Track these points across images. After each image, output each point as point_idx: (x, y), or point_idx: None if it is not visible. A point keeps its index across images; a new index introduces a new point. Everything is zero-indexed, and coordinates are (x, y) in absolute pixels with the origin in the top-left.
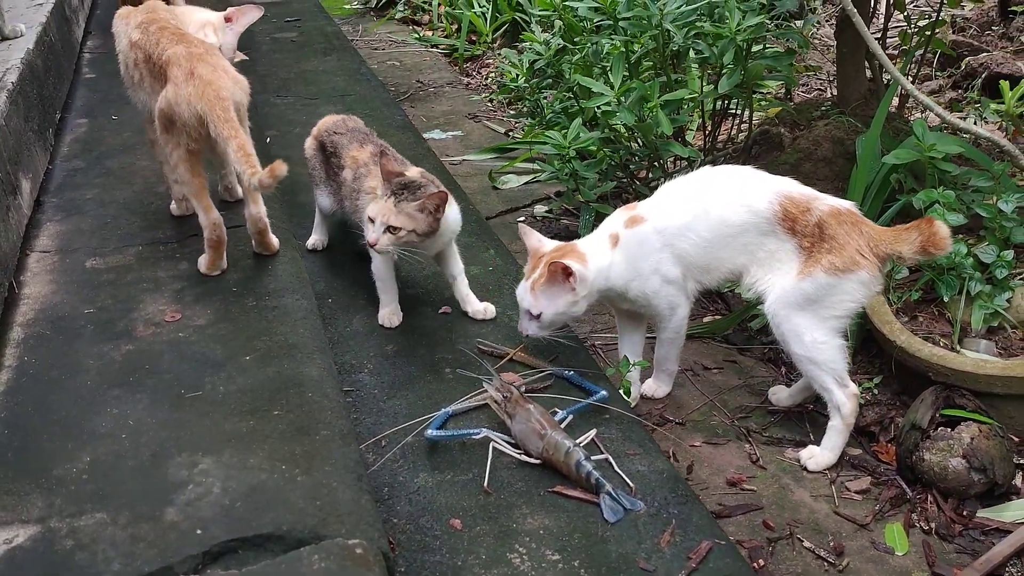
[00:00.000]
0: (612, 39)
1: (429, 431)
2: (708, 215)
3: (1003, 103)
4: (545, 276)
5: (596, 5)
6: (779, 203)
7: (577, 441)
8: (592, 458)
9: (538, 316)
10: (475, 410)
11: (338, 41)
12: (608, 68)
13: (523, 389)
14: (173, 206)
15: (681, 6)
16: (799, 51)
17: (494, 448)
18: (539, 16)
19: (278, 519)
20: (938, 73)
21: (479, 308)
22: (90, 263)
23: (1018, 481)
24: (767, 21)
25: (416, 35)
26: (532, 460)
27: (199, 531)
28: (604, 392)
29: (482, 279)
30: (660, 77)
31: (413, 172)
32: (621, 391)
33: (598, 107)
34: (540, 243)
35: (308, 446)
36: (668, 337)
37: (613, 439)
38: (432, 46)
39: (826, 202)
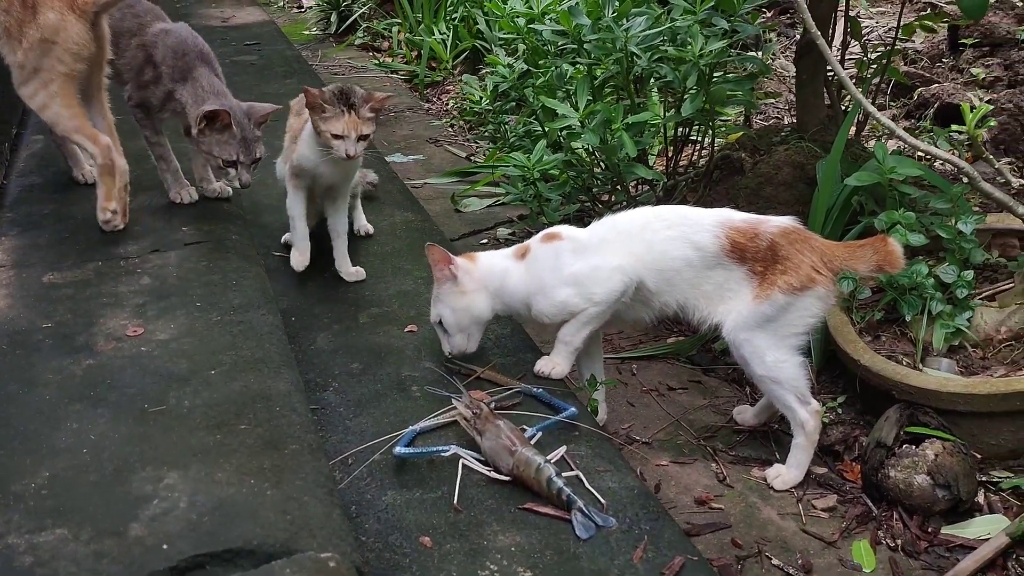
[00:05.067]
0: (576, 62)
1: (397, 448)
2: (651, 247)
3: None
4: (436, 279)
5: (560, 28)
6: (725, 236)
7: (547, 458)
8: (563, 475)
9: (441, 324)
10: (443, 427)
11: (298, 65)
12: (572, 91)
13: (492, 406)
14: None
15: (645, 30)
16: (760, 76)
17: (464, 465)
18: (503, 40)
19: (248, 533)
20: (892, 103)
21: (351, 271)
22: (47, 278)
23: (980, 498)
24: (729, 48)
25: (376, 61)
26: (502, 477)
27: (165, 546)
28: (573, 409)
29: None
30: (623, 100)
31: (330, 87)
32: (588, 409)
33: (562, 130)
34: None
35: (277, 460)
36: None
37: (583, 456)
38: (392, 72)
39: (772, 224)
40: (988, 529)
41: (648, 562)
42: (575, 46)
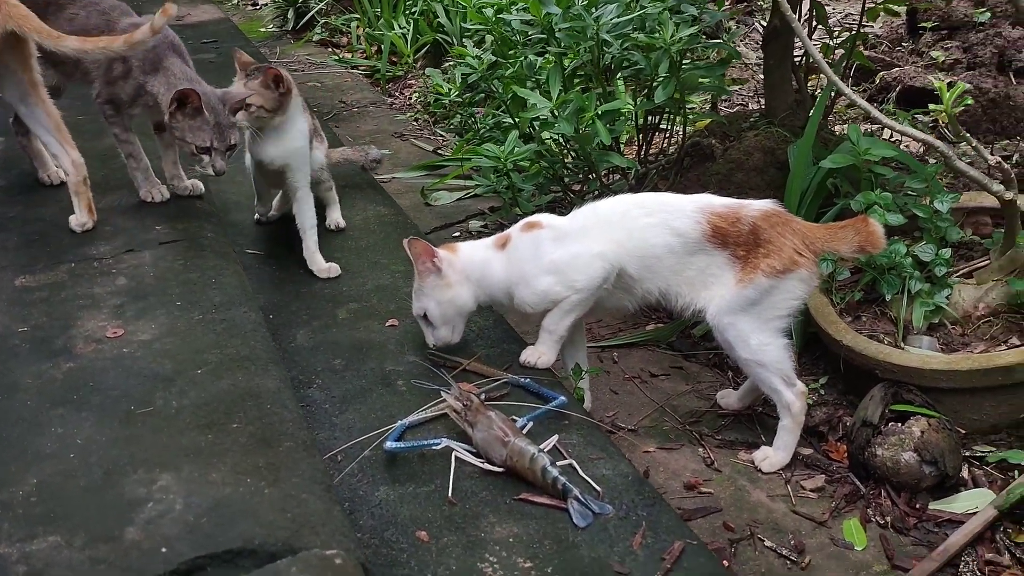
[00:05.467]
0: (547, 50)
1: (388, 443)
2: (632, 234)
3: (920, 112)
4: (419, 272)
5: (530, 18)
6: (706, 221)
7: (541, 447)
8: (557, 464)
9: (426, 317)
10: (433, 421)
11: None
12: (542, 82)
13: (483, 397)
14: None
15: (615, 18)
16: (731, 62)
17: (456, 457)
18: (471, 30)
19: (248, 533)
20: (854, 87)
21: (323, 267)
22: (19, 281)
23: (965, 473)
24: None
25: (336, 57)
26: (495, 468)
27: (164, 549)
28: (563, 398)
29: None
30: (594, 90)
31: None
32: (575, 397)
33: (533, 120)
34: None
35: (272, 458)
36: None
37: (575, 444)
38: (353, 67)
39: (753, 207)
40: (974, 503)
41: (648, 548)
42: (544, 36)
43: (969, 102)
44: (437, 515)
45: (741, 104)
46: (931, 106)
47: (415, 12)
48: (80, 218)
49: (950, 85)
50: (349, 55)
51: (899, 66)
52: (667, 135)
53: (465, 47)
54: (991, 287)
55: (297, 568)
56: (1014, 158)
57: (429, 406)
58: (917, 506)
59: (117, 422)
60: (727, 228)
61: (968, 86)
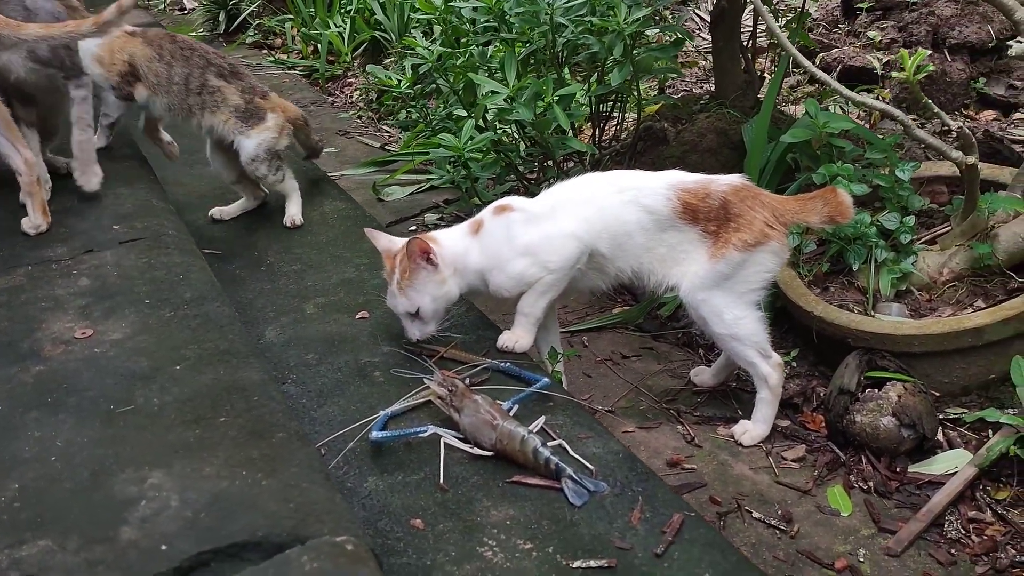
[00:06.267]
0: (498, 37)
1: (373, 433)
2: (603, 213)
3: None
4: (408, 269)
5: (481, 4)
6: (676, 197)
7: (530, 429)
8: (547, 444)
9: (417, 313)
10: (416, 409)
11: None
12: (495, 70)
13: (467, 382)
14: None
15: (568, 2)
16: (683, 44)
17: (445, 444)
18: (419, 20)
19: (251, 525)
20: (794, 69)
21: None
22: None
23: (939, 436)
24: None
25: (272, 58)
26: (485, 452)
27: (164, 547)
28: (546, 379)
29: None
30: (550, 74)
31: None
32: (555, 380)
33: (488, 107)
34: (391, 243)
35: (266, 449)
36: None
37: (562, 424)
38: (290, 68)
39: (722, 182)
40: (953, 464)
41: (647, 522)
42: (495, 24)
43: (931, 68)
44: (430, 502)
45: (686, 90)
46: (894, 73)
47: (351, 10)
48: (34, 220)
49: (887, 64)
50: (285, 56)
51: (837, 47)
52: (619, 121)
53: (413, 38)
54: (954, 252)
55: (309, 556)
56: (953, 133)
57: (412, 394)
58: (897, 470)
59: (98, 422)
60: (697, 204)
61: (927, 52)
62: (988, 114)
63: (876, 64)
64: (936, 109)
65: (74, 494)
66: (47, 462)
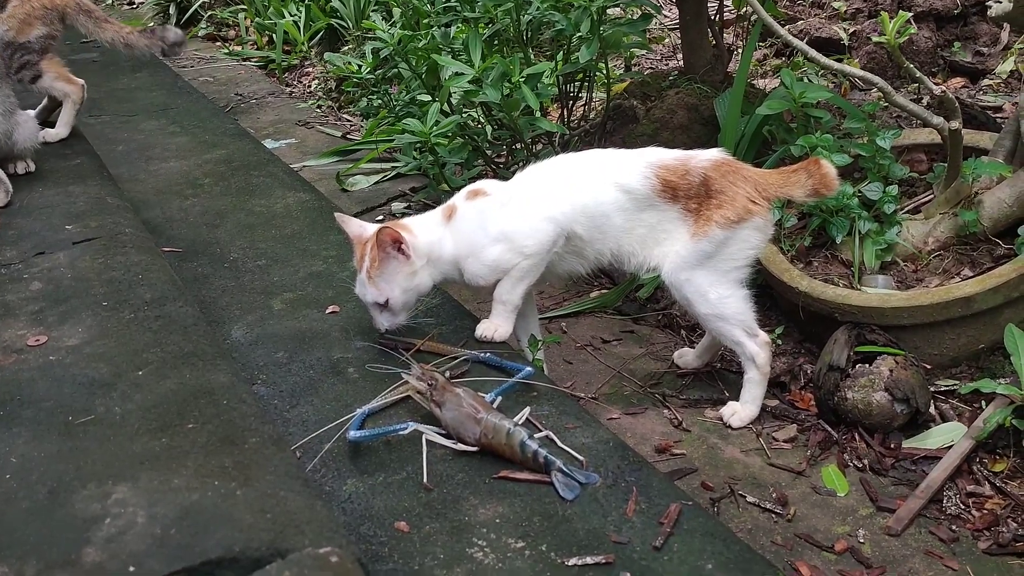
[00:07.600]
0: (460, 17)
1: (351, 432)
2: (579, 194)
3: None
4: (377, 258)
5: None
6: (655, 175)
7: (515, 421)
8: (535, 436)
9: (387, 304)
10: (394, 405)
11: (145, 58)
12: (459, 51)
13: (447, 375)
14: None
15: None
16: (652, 19)
17: (427, 441)
18: (378, 4)
19: (227, 539)
20: (760, 43)
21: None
22: None
23: (932, 409)
24: None
25: (226, 50)
26: (469, 448)
27: (132, 568)
28: (529, 368)
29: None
30: (516, 54)
31: None
32: (536, 368)
33: (453, 89)
34: (362, 228)
35: (239, 456)
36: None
37: (548, 415)
38: (245, 59)
39: (702, 158)
40: (948, 437)
41: (643, 513)
42: (458, 3)
43: (913, 31)
44: (414, 503)
45: (651, 67)
46: (874, 38)
47: None
48: None
49: (853, 35)
50: (239, 47)
51: (802, 19)
52: (587, 100)
53: (372, 21)
54: (938, 221)
55: (291, 572)
56: (923, 101)
57: (389, 390)
58: (891, 446)
59: (56, 435)
60: (677, 181)
61: (909, 14)
62: (956, 81)
63: (843, 35)
64: (918, 74)
65: (31, 514)
66: (1, 480)
